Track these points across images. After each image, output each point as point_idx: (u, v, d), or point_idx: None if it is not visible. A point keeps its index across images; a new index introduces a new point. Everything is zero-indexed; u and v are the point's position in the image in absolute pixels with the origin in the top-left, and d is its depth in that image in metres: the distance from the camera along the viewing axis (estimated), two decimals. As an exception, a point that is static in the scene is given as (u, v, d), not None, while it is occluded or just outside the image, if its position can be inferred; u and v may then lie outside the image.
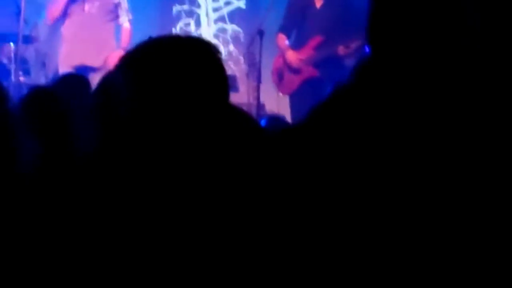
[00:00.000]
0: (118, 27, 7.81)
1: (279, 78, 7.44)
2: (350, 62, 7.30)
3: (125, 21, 7.78)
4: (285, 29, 7.43)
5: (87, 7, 7.60)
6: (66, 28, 7.65)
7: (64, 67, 7.61)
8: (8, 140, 2.46)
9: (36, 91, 3.63)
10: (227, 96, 1.86)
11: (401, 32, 1.39)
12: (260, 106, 7.50)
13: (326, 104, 1.50)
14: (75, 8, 7.63)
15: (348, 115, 1.43)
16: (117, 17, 7.74)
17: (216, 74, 1.81)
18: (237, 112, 2.02)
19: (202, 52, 1.82)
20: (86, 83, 4.86)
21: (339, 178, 1.40)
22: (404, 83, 1.36)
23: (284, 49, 7.36)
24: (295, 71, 7.28)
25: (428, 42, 1.34)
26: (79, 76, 5.09)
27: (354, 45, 7.00)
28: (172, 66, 1.78)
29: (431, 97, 1.34)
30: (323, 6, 7.21)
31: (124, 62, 1.85)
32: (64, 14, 7.63)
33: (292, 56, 7.27)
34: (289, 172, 1.52)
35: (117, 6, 7.72)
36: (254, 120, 2.09)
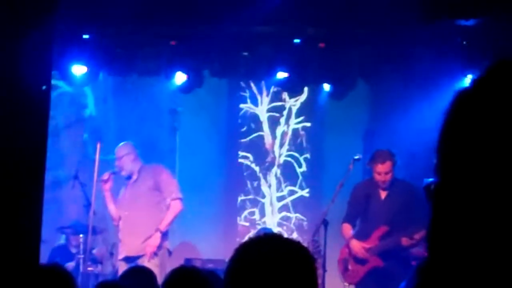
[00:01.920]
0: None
1: (345, 268, 7.42)
2: (414, 252, 7.25)
3: (170, 199, 7.88)
4: (349, 219, 7.49)
5: (125, 201, 7.85)
6: (119, 223, 7.89)
7: (119, 259, 7.84)
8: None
9: (103, 284, 3.68)
10: None
11: (465, 246, 1.38)
12: (325, 294, 7.42)
13: None
14: (120, 203, 7.92)
15: None
16: (164, 198, 7.88)
17: (310, 279, 1.92)
18: None
19: (301, 257, 1.95)
20: (152, 275, 4.92)
21: None
22: None
23: (348, 239, 7.38)
24: (360, 261, 7.26)
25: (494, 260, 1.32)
26: (145, 268, 5.15)
27: (418, 236, 7.00)
28: (272, 269, 1.93)
29: None
30: (387, 197, 7.28)
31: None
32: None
33: (357, 246, 7.27)
34: None
35: (158, 187, 7.86)
36: None
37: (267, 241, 1.97)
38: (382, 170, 7.21)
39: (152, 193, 7.83)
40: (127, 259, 7.66)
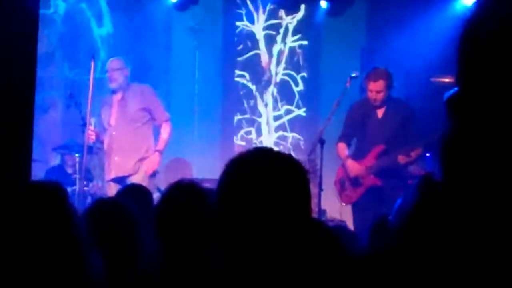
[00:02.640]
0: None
1: (342, 189, 7.43)
2: (411, 170, 7.26)
3: (162, 121, 7.88)
4: (345, 138, 7.46)
5: (113, 120, 7.80)
6: (105, 142, 7.87)
7: (107, 179, 7.88)
8: (75, 250, 2.48)
9: (101, 202, 3.67)
10: (310, 210, 1.98)
11: (481, 165, 1.31)
12: (321, 212, 7.45)
13: (401, 229, 1.46)
14: (104, 124, 7.88)
15: (425, 243, 1.39)
16: (153, 119, 7.87)
17: (302, 190, 1.90)
18: (320, 227, 2.12)
19: (292, 170, 1.94)
20: (149, 193, 4.92)
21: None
22: (476, 213, 1.30)
23: (344, 158, 7.37)
24: (357, 181, 7.27)
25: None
26: (142, 187, 5.15)
27: (414, 153, 6.99)
28: (264, 182, 1.91)
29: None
30: (384, 115, 7.23)
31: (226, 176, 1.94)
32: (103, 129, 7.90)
33: (352, 166, 7.27)
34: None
35: (148, 109, 7.82)
36: (335, 236, 2.15)
37: (258, 154, 1.95)
38: (374, 88, 7.15)
39: (141, 114, 7.78)
40: (116, 180, 7.68)
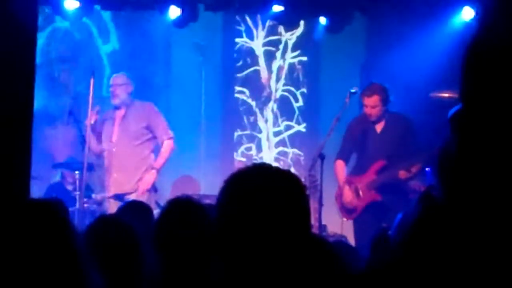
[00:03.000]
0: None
1: (342, 204, 7.44)
2: (412, 185, 7.25)
3: (164, 139, 7.83)
4: (343, 154, 7.48)
5: (114, 137, 7.78)
6: (106, 158, 7.86)
7: (107, 196, 7.85)
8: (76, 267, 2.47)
9: (103, 219, 3.65)
10: (309, 226, 2.00)
11: (481, 183, 1.31)
12: (322, 227, 7.45)
13: (402, 244, 1.47)
14: (105, 140, 7.85)
15: (426, 257, 1.39)
16: (154, 137, 7.83)
17: (301, 206, 1.90)
18: (320, 242, 2.13)
19: (291, 185, 1.96)
20: (150, 210, 4.92)
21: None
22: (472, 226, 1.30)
23: (341, 185, 7.40)
24: (358, 196, 7.28)
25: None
26: (143, 204, 5.15)
27: (414, 169, 7.00)
28: (264, 198, 1.92)
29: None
30: (383, 130, 7.25)
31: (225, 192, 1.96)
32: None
33: (347, 195, 7.31)
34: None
35: (150, 127, 7.79)
36: (335, 252, 2.16)
37: (257, 170, 1.96)
38: (368, 103, 7.18)
39: (143, 132, 7.78)
40: (116, 196, 7.66)
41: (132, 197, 7.45)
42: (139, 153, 7.76)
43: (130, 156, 7.73)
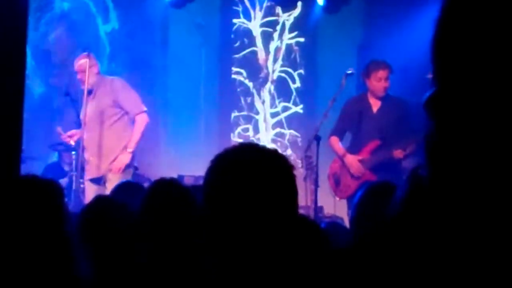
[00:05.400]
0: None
1: (336, 183, 7.43)
2: (406, 165, 7.26)
3: (135, 114, 7.50)
4: (337, 132, 7.46)
5: (87, 119, 7.42)
6: (80, 142, 7.54)
7: (86, 178, 7.59)
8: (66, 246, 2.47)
9: (100, 199, 3.66)
10: (296, 206, 1.98)
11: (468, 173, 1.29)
12: (317, 209, 7.45)
13: (388, 224, 1.47)
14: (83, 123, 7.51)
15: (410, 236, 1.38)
16: (126, 113, 7.49)
17: (288, 185, 1.90)
18: (306, 222, 2.13)
19: (278, 165, 1.95)
20: (143, 189, 4.92)
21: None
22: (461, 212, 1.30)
23: (342, 155, 7.36)
24: (352, 176, 7.28)
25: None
26: (135, 183, 5.15)
27: (409, 149, 7.00)
28: (250, 177, 1.92)
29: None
30: (379, 111, 7.24)
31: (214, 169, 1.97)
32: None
33: (352, 163, 7.27)
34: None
35: (118, 102, 7.45)
36: (322, 232, 2.16)
37: (243, 149, 1.96)
38: (382, 76, 7.15)
39: (113, 110, 7.44)
40: (93, 180, 7.49)
41: (108, 178, 7.32)
42: (112, 134, 7.45)
43: (103, 138, 7.44)
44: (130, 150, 7.43)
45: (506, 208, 1.24)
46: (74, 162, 8.11)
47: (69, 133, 7.66)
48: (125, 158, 7.42)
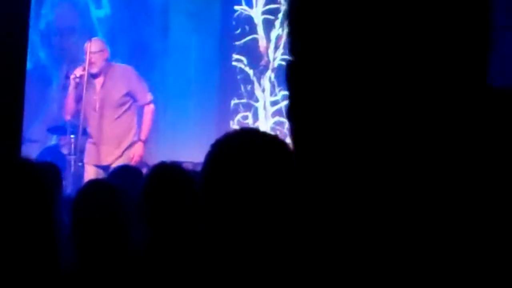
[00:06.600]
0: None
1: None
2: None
3: (144, 103, 7.59)
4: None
5: (97, 105, 7.45)
6: (91, 128, 7.59)
7: (91, 163, 7.61)
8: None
9: (96, 183, 3.65)
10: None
11: None
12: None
13: None
14: (86, 106, 7.51)
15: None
16: (135, 101, 7.58)
17: (287, 170, 1.90)
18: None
19: (277, 149, 1.94)
20: (142, 174, 4.90)
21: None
22: None
23: None
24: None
25: None
26: (134, 168, 5.14)
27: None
28: (249, 160, 1.91)
29: None
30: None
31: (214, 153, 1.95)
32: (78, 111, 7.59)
33: None
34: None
35: (131, 92, 7.51)
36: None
37: (243, 134, 1.95)
38: None
39: (124, 99, 7.48)
40: (100, 167, 7.49)
41: (117, 162, 7.28)
42: (124, 123, 7.50)
43: (116, 127, 7.46)
44: (143, 140, 7.52)
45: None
46: (73, 145, 8.09)
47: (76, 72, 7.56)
48: (141, 150, 7.51)
